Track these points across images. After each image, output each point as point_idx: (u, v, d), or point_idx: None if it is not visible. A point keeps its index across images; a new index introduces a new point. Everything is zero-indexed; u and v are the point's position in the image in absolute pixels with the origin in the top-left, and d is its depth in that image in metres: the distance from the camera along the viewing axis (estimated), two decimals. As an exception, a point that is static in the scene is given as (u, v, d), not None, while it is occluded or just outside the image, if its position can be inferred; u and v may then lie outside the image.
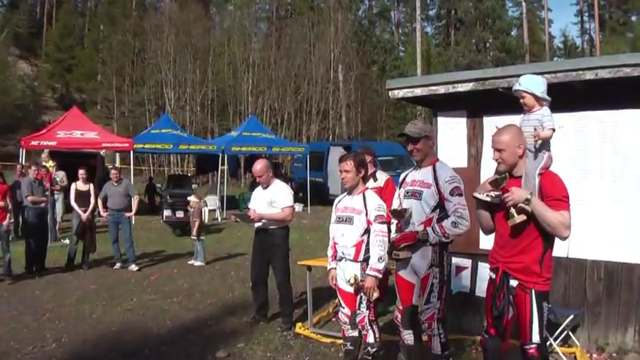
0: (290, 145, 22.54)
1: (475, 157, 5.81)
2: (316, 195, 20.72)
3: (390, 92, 5.99)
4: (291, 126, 36.60)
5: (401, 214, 3.91)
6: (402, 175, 4.30)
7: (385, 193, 5.88)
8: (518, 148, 3.18)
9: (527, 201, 2.98)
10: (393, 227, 4.18)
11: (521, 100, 3.30)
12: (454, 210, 3.85)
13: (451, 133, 5.86)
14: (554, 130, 3.29)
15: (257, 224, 6.06)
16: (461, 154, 5.84)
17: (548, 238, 3.08)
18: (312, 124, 36.93)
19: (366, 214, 4.10)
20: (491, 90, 5.19)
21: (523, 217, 3.04)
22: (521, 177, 3.19)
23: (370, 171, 5.90)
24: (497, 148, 3.15)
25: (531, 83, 3.25)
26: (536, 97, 3.23)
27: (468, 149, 5.83)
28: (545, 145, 3.28)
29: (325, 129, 37.98)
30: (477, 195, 3.23)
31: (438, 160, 4.17)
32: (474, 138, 5.79)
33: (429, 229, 3.89)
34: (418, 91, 5.77)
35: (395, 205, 4.12)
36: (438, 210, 3.94)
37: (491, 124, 5.01)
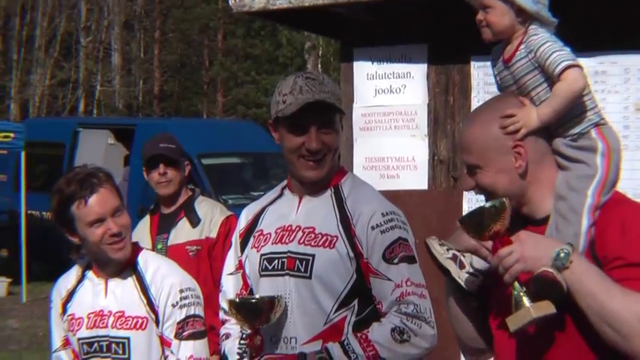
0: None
1: (449, 162, 5.21)
2: (46, 254, 15.30)
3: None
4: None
5: (257, 313, 3.29)
6: (251, 213, 3.52)
7: (220, 255, 4.92)
8: (514, 154, 2.68)
9: (560, 263, 2.53)
10: (232, 345, 3.47)
11: (481, 17, 2.86)
12: (399, 299, 3.26)
13: (386, 102, 5.50)
14: (577, 65, 2.66)
15: None
16: (414, 158, 5.40)
17: (608, 356, 2.61)
18: (35, 70, 28.74)
19: (157, 323, 3.55)
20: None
21: (547, 307, 2.55)
22: (544, 221, 2.73)
23: (181, 199, 5.13)
24: (466, 162, 2.82)
25: None
26: (519, 10, 2.80)
27: (432, 145, 5.38)
28: (591, 121, 2.71)
29: (68, 84, 29.73)
30: (439, 256, 2.85)
31: (346, 172, 3.49)
32: (448, 115, 5.36)
33: (332, 346, 3.25)
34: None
35: (234, 290, 3.51)
36: (355, 301, 3.29)
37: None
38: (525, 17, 2.83)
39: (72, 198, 3.42)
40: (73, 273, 3.78)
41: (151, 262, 3.67)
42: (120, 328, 3.66)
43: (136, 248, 3.69)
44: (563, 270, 2.54)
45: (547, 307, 2.58)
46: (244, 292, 3.50)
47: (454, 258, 2.90)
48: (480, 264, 2.83)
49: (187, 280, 3.68)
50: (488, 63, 4.99)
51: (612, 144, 2.75)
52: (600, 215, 2.69)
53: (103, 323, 3.67)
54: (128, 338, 3.63)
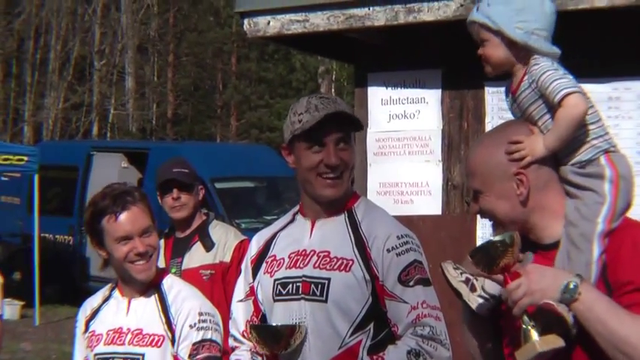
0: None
1: (463, 188, 5.26)
2: (59, 277, 15.87)
3: (246, 22, 5.38)
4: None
5: (278, 338, 3.28)
6: (263, 239, 3.47)
7: (233, 279, 4.85)
8: (516, 181, 2.66)
9: (569, 295, 2.47)
10: None
11: (481, 52, 2.86)
12: (414, 321, 3.20)
13: (400, 127, 5.51)
14: (576, 92, 2.60)
15: None
16: (428, 184, 5.44)
17: None
18: (48, 93, 29.11)
19: (173, 343, 3.48)
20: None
21: (555, 341, 2.51)
22: (554, 247, 2.68)
23: (195, 223, 5.11)
24: (471, 187, 2.84)
25: (504, 6, 2.77)
26: (510, 45, 2.76)
27: (446, 170, 5.39)
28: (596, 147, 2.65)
29: (81, 108, 30.05)
30: (451, 279, 2.83)
31: (359, 197, 3.45)
32: (462, 141, 5.36)
33: None
34: (318, 20, 5.19)
35: (245, 317, 3.47)
36: (371, 325, 3.23)
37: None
38: (518, 48, 2.80)
39: (104, 212, 3.45)
40: (101, 293, 3.77)
41: (175, 285, 3.63)
42: (136, 345, 3.62)
43: (163, 272, 3.66)
44: (573, 302, 2.52)
45: (554, 341, 2.56)
46: (255, 319, 3.44)
47: (466, 281, 2.88)
48: (491, 288, 2.82)
49: (208, 306, 3.64)
50: (502, 89, 5.04)
51: (622, 171, 2.71)
52: (611, 240, 2.66)
53: (120, 340, 3.63)
54: (143, 355, 3.59)
